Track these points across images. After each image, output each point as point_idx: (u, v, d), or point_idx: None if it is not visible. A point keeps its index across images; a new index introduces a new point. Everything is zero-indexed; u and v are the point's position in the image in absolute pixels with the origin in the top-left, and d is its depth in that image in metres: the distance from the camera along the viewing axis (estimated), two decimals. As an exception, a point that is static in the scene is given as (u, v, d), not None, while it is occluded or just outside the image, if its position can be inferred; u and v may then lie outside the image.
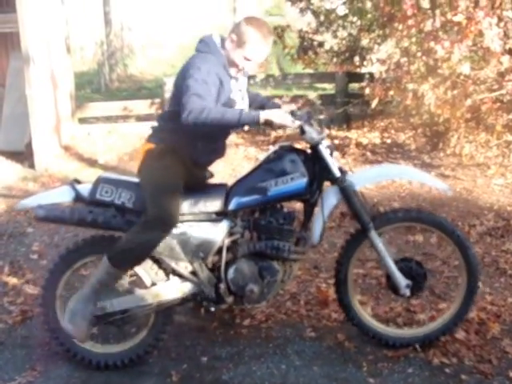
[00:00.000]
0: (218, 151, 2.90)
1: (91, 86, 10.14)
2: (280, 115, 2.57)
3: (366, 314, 2.98)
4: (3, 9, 6.75)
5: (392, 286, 2.87)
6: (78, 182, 2.86)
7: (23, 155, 6.36)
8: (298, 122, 2.64)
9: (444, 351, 2.88)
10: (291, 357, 2.90)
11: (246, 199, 2.76)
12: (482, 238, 4.24)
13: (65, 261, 2.81)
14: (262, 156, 2.91)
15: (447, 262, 3.85)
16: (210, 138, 2.78)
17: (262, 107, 2.96)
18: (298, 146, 2.90)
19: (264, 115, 2.54)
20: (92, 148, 6.78)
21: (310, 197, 2.79)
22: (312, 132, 2.69)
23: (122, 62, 11.72)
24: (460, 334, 2.97)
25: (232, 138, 6.29)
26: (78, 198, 2.74)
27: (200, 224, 2.78)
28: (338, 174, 2.75)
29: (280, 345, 3.00)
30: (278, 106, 3.02)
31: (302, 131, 2.68)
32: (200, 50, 2.74)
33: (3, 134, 6.70)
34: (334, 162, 2.76)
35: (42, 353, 2.98)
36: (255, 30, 2.65)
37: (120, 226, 2.70)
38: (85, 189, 2.76)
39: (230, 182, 2.90)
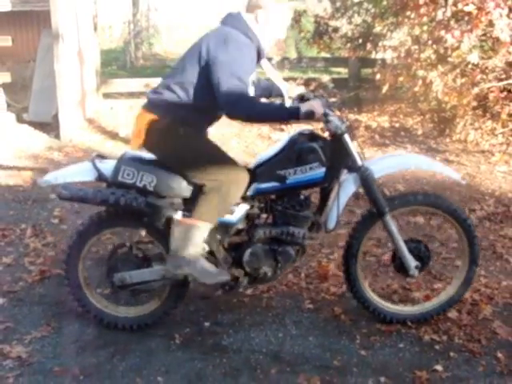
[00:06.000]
0: (214, 123, 2.77)
1: (117, 63, 10.09)
2: (317, 107, 2.44)
3: (369, 290, 2.92)
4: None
5: (399, 267, 2.82)
6: (102, 156, 2.80)
7: (50, 126, 6.38)
8: (330, 115, 2.52)
9: (435, 329, 2.84)
10: (289, 326, 2.88)
11: (264, 186, 2.67)
12: (481, 222, 4.16)
13: (89, 231, 2.76)
14: (275, 135, 2.83)
15: (445, 243, 3.79)
16: (214, 112, 2.66)
17: (269, 93, 2.89)
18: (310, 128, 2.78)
19: (304, 108, 2.43)
20: (114, 122, 6.77)
21: (327, 184, 2.72)
22: (337, 121, 2.56)
23: (148, 41, 11.65)
24: (452, 314, 2.92)
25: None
26: (101, 178, 2.69)
27: None
28: (360, 162, 2.67)
29: (279, 314, 2.99)
30: (281, 92, 2.89)
31: (327, 120, 2.55)
32: (233, 25, 2.52)
33: (32, 105, 6.72)
34: (356, 151, 2.67)
35: (57, 310, 3.00)
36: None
37: (141, 207, 2.64)
38: (107, 169, 2.69)
39: (243, 158, 2.82)
